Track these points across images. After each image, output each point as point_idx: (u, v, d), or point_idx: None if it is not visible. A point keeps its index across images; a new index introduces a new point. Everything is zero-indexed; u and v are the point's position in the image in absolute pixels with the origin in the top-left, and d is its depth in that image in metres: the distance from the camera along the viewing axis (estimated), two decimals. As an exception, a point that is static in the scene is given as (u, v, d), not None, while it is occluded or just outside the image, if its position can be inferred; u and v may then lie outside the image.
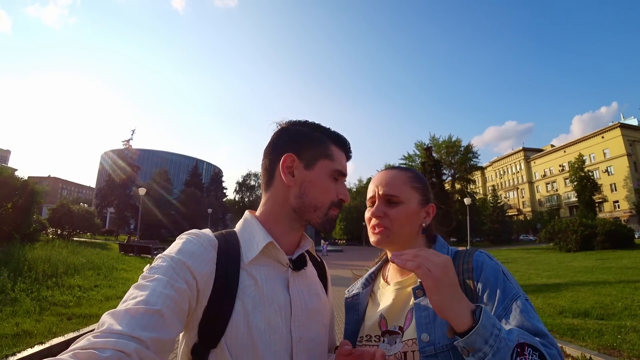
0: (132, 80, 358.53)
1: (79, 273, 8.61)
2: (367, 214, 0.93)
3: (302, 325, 0.78)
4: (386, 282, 0.96)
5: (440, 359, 0.74)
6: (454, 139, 54.80)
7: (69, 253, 10.99)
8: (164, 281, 0.63)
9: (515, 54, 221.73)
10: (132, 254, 17.47)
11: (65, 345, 4.22)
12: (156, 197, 47.78)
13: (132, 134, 47.61)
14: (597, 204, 57.78)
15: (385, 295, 0.92)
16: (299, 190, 0.81)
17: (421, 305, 0.80)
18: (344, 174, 0.84)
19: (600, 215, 51.69)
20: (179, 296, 0.64)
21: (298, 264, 0.83)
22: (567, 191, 65.95)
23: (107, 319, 0.57)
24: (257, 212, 0.87)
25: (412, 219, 0.90)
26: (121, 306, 0.59)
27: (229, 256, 0.75)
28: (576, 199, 57.92)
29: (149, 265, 0.70)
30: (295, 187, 0.81)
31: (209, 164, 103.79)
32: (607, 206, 59.64)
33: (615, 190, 58.90)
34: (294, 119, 0.87)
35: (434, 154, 51.26)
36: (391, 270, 0.97)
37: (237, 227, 0.85)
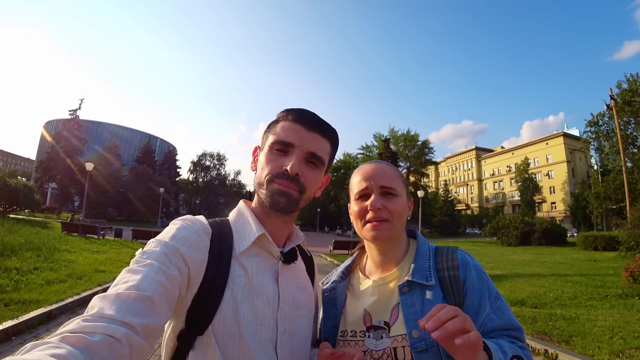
0: (85, 42, 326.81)
1: (16, 254, 7.83)
2: (357, 207, 0.89)
3: (288, 318, 0.78)
4: (365, 275, 0.95)
5: (430, 353, 0.76)
6: (412, 133, 56.72)
7: (5, 232, 10.09)
8: (156, 267, 0.63)
9: (479, 57, 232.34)
10: (76, 234, 16.18)
11: (4, 334, 3.93)
12: (104, 173, 44.88)
13: (80, 104, 43.41)
14: (537, 204, 63.28)
15: (367, 290, 0.91)
16: (255, 174, 0.83)
17: (408, 302, 0.82)
18: (288, 144, 0.78)
19: (539, 214, 56.47)
20: (170, 283, 0.63)
21: (289, 257, 0.83)
22: (511, 190, 71.15)
23: (97, 303, 0.56)
24: (252, 204, 0.87)
25: (405, 212, 0.90)
26: (112, 290, 0.59)
27: (221, 245, 0.75)
28: (519, 198, 62.92)
29: (141, 249, 0.69)
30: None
31: (162, 140, 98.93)
32: (545, 206, 65.24)
33: (554, 193, 64.66)
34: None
35: (392, 146, 52.64)
36: (369, 263, 0.96)
37: (231, 216, 0.85)
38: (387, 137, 53.50)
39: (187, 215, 0.78)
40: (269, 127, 0.84)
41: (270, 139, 0.80)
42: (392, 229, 0.86)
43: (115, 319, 0.53)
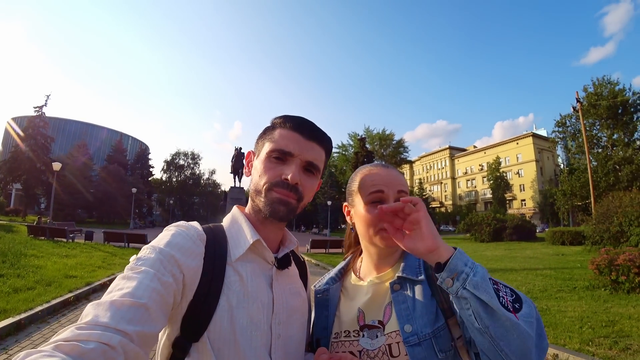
0: (51, 34, 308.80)
1: (-23, 259, 7.45)
2: (370, 215, 0.86)
3: (282, 323, 0.79)
4: (359, 277, 0.96)
5: (423, 346, 0.76)
6: (387, 132, 57.60)
7: (-36, 235, 9.48)
8: (151, 274, 0.63)
9: (454, 59, 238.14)
10: (43, 238, 15.44)
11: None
12: (73, 173, 42.92)
13: (46, 100, 41.10)
14: (508, 201, 65.75)
15: (361, 290, 0.92)
16: (250, 180, 0.83)
17: (400, 299, 0.83)
18: (287, 153, 0.78)
19: (510, 211, 58.64)
20: (164, 290, 0.63)
21: (283, 263, 0.84)
22: (484, 188, 73.62)
23: (91, 311, 0.56)
24: (246, 209, 0.87)
25: None
26: (106, 297, 0.59)
27: (216, 251, 0.75)
28: (491, 196, 65.09)
29: (135, 255, 0.68)
30: (250, 178, 0.84)
31: (134, 139, 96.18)
32: (516, 203, 67.91)
33: (524, 191, 67.43)
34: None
35: (368, 145, 53.22)
36: (364, 265, 0.96)
37: (225, 222, 0.85)
38: (363, 136, 54.06)
39: (181, 222, 0.78)
40: (264, 132, 0.84)
41: (268, 146, 0.80)
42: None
43: (109, 327, 0.53)
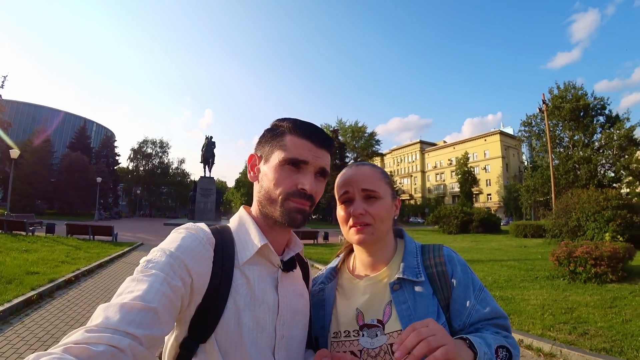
0: (12, 12, 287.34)
1: None
2: (342, 212, 0.91)
3: (286, 324, 0.80)
4: (354, 275, 0.96)
5: None
6: (360, 124, 57.89)
7: None
8: (161, 277, 0.63)
9: (428, 55, 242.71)
10: (0, 231, 14.60)
11: None
12: (32, 161, 40.45)
13: (3, 81, 38.09)
14: (474, 195, 68.54)
15: (358, 289, 0.92)
16: (259, 186, 0.82)
17: (400, 299, 0.85)
18: (301, 161, 0.78)
19: (476, 205, 61.12)
20: (173, 294, 0.64)
21: (288, 266, 0.85)
22: (452, 182, 76.31)
23: (101, 313, 0.56)
24: (252, 210, 0.87)
25: (389, 213, 0.91)
26: (116, 299, 0.59)
27: (224, 255, 0.76)
28: (459, 190, 67.58)
29: (145, 257, 0.69)
30: (257, 184, 0.83)
31: (99, 125, 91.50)
32: (482, 197, 70.84)
33: (490, 185, 70.44)
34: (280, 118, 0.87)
35: (340, 137, 53.48)
36: (358, 263, 0.97)
37: (232, 224, 0.85)
38: (336, 128, 54.21)
39: (189, 223, 0.78)
40: (272, 137, 0.81)
41: (280, 153, 0.78)
42: (375, 233, 0.88)
43: (119, 330, 0.54)
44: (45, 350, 0.47)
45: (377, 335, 0.84)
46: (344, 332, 0.88)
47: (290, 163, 0.78)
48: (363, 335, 0.85)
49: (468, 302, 0.84)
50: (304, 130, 0.79)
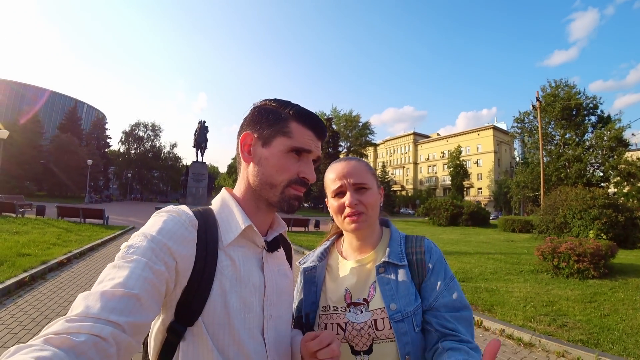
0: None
1: None
2: (335, 204, 0.99)
3: (273, 304, 0.81)
4: (344, 257, 1.06)
5: (406, 322, 0.89)
6: (354, 114, 57.91)
7: None
8: (142, 263, 0.62)
9: (426, 48, 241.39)
10: (-12, 212, 14.48)
11: None
12: (21, 142, 39.55)
13: None
14: (465, 189, 69.26)
15: (346, 270, 1.02)
16: (256, 169, 0.81)
17: (384, 280, 0.95)
18: (306, 150, 0.80)
19: (467, 198, 61.86)
20: (157, 279, 0.62)
21: (272, 246, 0.86)
22: (444, 175, 77.03)
23: (81, 302, 0.55)
24: (234, 191, 0.87)
25: (377, 201, 1.01)
26: (97, 287, 0.57)
27: (207, 237, 0.75)
28: (450, 183, 68.18)
29: (126, 243, 0.67)
30: (253, 165, 0.81)
31: (90, 107, 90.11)
32: (473, 191, 71.67)
33: (481, 179, 71.22)
34: (267, 98, 0.87)
35: (334, 126, 53.50)
36: (347, 246, 1.07)
37: (215, 205, 0.84)
38: (330, 116, 54.07)
39: (170, 206, 0.77)
40: (274, 120, 0.80)
41: (285, 140, 0.79)
42: (368, 220, 0.98)
43: (100, 318, 0.52)
44: (39, 332, 0.47)
45: (362, 312, 0.93)
46: (333, 307, 0.97)
47: (295, 151, 0.79)
48: (350, 311, 0.95)
49: (437, 286, 0.93)
50: (309, 121, 0.81)
